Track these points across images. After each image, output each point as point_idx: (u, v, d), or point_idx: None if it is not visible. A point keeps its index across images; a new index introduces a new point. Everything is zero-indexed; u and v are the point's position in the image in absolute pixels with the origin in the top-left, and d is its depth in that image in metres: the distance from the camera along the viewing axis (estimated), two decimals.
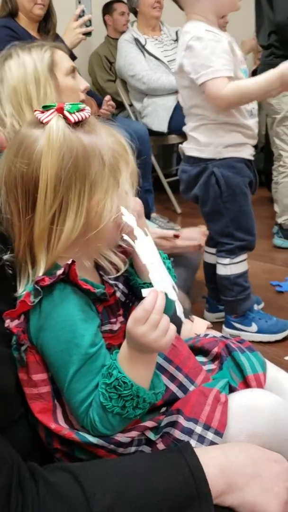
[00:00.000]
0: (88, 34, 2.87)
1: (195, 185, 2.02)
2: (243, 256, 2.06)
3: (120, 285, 1.15)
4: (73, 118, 0.97)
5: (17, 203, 0.98)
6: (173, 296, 0.97)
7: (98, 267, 1.11)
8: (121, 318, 1.08)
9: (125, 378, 0.93)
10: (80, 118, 0.98)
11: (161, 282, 0.96)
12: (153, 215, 3.49)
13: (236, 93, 1.83)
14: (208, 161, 1.96)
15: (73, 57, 2.95)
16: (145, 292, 0.94)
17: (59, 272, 0.94)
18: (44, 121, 0.97)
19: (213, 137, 1.95)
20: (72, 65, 1.55)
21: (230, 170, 1.95)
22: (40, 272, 0.96)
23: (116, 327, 1.06)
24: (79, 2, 2.84)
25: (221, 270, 2.07)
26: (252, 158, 2.03)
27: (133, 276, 1.15)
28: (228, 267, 2.05)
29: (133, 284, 1.16)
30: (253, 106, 1.99)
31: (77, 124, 0.98)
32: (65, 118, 0.97)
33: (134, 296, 1.17)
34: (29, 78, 1.42)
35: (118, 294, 1.12)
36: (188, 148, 2.02)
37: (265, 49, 3.02)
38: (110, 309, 1.06)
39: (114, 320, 1.06)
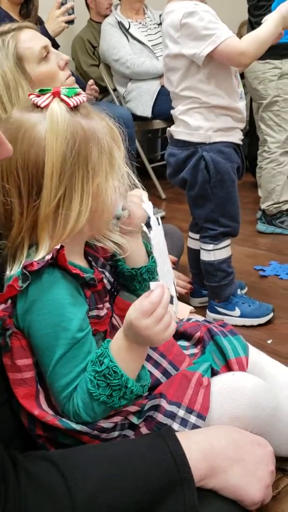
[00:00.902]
0: (70, 22, 2.81)
1: (183, 169, 1.99)
2: (227, 242, 2.04)
3: (106, 273, 1.15)
4: (72, 102, 0.97)
5: (18, 188, 0.97)
6: (173, 292, 0.97)
7: (86, 253, 1.12)
8: (107, 305, 1.08)
9: (116, 368, 0.93)
10: (78, 102, 0.98)
11: (166, 277, 0.96)
12: None
13: (254, 43, 1.83)
14: (197, 145, 1.94)
15: (56, 46, 2.92)
16: (152, 285, 0.94)
17: (48, 257, 0.94)
18: (42, 105, 0.96)
19: (203, 120, 1.92)
20: (42, 47, 1.44)
21: (219, 155, 1.93)
22: (39, 256, 0.96)
23: (102, 313, 1.06)
24: None
25: (205, 256, 2.05)
26: (241, 142, 2.02)
27: (121, 262, 1.16)
28: (211, 253, 2.03)
29: (121, 269, 1.16)
30: (242, 89, 1.98)
31: (75, 108, 0.98)
32: (64, 102, 0.97)
33: (119, 285, 1.18)
34: None
35: (105, 281, 1.12)
36: (177, 132, 1.99)
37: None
38: (97, 295, 1.06)
39: (101, 306, 1.06)
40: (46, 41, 1.48)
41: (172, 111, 2.03)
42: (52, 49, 1.50)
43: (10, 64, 1.36)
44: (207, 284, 2.08)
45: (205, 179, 1.95)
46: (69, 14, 2.77)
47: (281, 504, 1.13)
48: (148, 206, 0.98)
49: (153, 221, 0.98)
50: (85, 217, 0.96)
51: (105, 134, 1.00)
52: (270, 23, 1.85)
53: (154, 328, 0.92)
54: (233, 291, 2.06)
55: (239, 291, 2.12)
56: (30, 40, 1.42)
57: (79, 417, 0.96)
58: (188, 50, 1.84)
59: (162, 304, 0.92)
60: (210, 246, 2.02)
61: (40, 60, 1.43)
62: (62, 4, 2.73)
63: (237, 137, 1.99)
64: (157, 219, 1.01)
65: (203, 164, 1.93)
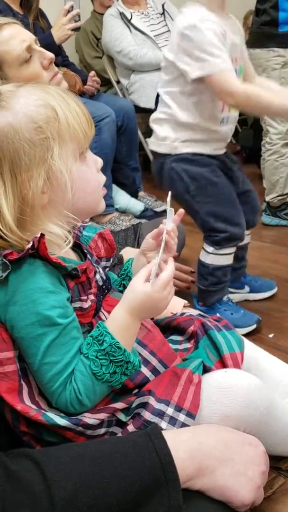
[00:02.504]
0: (76, 29, 2.83)
1: (162, 180, 1.91)
2: (229, 250, 1.90)
3: (100, 269, 1.13)
4: None
5: None
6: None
7: (80, 248, 1.10)
8: (92, 297, 1.05)
9: (119, 344, 0.94)
10: None
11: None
12: (141, 193, 3.45)
13: (251, 100, 1.70)
14: (165, 156, 1.85)
15: (59, 52, 2.91)
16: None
17: (28, 246, 0.92)
18: None
19: (170, 131, 1.83)
20: (23, 49, 1.35)
21: (187, 163, 1.82)
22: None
23: (86, 305, 1.03)
24: None
25: (203, 256, 1.93)
26: (217, 152, 1.90)
27: (128, 269, 1.22)
28: (210, 256, 1.92)
29: (109, 274, 1.18)
30: (229, 114, 1.86)
31: None
32: None
33: (110, 285, 1.16)
34: None
35: (98, 276, 1.10)
36: (150, 141, 1.93)
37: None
38: (81, 286, 1.03)
39: (84, 298, 1.03)
40: (29, 40, 1.39)
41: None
42: (36, 47, 1.42)
43: None
44: (196, 284, 2.01)
45: (183, 189, 1.84)
46: (75, 21, 2.78)
47: (275, 504, 1.09)
48: (170, 211, 1.07)
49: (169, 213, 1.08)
50: (12, 210, 0.94)
51: (32, 120, 0.95)
52: (279, 103, 1.70)
53: (168, 298, 0.99)
54: (219, 299, 1.97)
55: (233, 292, 2.05)
56: (9, 40, 1.35)
57: (79, 403, 0.94)
58: (181, 63, 1.73)
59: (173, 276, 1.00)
60: (210, 249, 1.91)
61: (21, 63, 1.36)
62: (69, 11, 2.74)
63: (210, 148, 1.87)
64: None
65: (176, 174, 1.84)
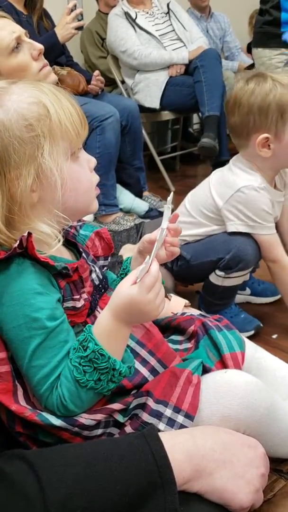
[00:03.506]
0: (80, 28, 2.84)
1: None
2: (241, 272, 1.83)
3: (96, 268, 1.12)
4: None
5: None
6: None
7: (75, 246, 1.09)
8: (84, 295, 1.03)
9: (102, 351, 0.91)
10: None
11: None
12: (145, 193, 3.43)
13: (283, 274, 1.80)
14: None
15: (63, 51, 2.91)
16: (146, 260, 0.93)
17: (15, 244, 0.90)
18: None
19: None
20: (12, 38, 1.39)
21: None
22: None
23: (79, 304, 1.01)
24: None
25: (213, 278, 1.87)
26: None
27: (128, 269, 1.18)
28: (220, 279, 1.85)
29: (108, 274, 1.16)
30: None
31: None
32: None
33: (107, 284, 1.15)
34: None
35: (94, 275, 1.09)
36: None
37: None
38: (73, 285, 1.01)
39: (77, 297, 1.01)
40: (19, 31, 1.42)
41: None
42: (25, 38, 1.44)
43: None
44: (202, 292, 1.97)
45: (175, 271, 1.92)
46: (78, 20, 2.79)
47: (276, 507, 1.07)
48: (167, 209, 1.02)
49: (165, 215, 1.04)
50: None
51: (23, 117, 0.94)
52: None
53: (155, 301, 0.91)
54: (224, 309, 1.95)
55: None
56: (1, 29, 1.38)
57: (65, 408, 0.92)
58: (227, 213, 1.78)
59: (159, 278, 0.92)
60: (221, 273, 1.84)
61: (10, 52, 1.38)
62: (72, 10, 2.75)
63: None
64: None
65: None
